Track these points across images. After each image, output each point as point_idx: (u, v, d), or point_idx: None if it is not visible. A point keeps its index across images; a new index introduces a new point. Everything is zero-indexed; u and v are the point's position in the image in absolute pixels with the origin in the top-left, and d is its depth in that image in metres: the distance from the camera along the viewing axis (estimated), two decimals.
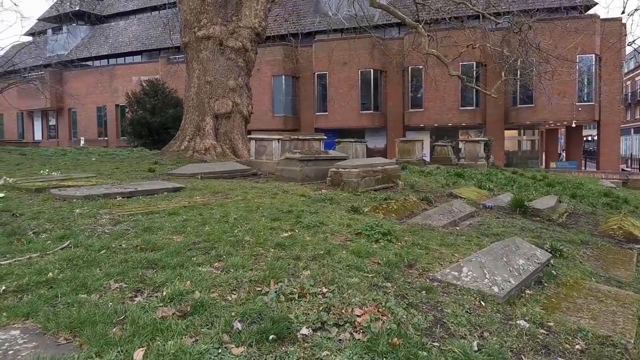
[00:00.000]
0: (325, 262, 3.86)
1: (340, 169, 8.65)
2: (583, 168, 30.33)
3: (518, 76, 23.85)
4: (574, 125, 27.39)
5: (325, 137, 12.10)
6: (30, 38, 48.56)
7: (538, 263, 4.64)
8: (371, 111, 30.40)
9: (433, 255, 4.48)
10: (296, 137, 11.06)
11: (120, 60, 41.70)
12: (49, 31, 45.15)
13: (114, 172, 9.31)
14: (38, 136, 44.28)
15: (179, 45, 38.27)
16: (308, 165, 9.14)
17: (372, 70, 29.84)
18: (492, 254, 4.25)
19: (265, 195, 6.98)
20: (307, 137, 11.47)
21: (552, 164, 27.26)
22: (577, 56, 24.67)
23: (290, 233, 4.65)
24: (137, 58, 40.79)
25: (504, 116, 28.80)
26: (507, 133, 31.05)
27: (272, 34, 31.58)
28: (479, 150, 18.41)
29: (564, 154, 34.67)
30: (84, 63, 43.48)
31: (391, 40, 30.00)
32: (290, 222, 5.15)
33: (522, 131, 32.23)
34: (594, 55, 25.76)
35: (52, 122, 43.84)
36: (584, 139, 38.11)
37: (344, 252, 4.20)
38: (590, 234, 7.29)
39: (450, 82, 26.72)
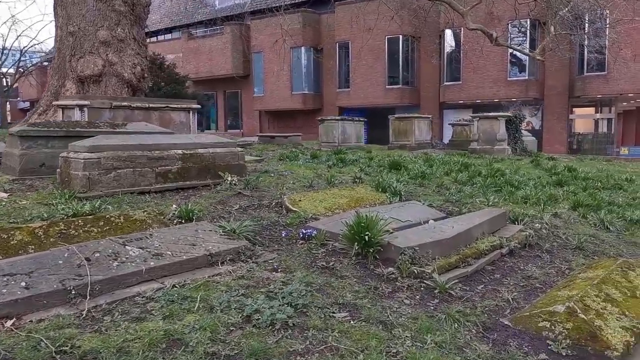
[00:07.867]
0: None
1: (70, 155, 4.76)
2: None
3: (585, 31, 17.88)
4: None
5: (199, 106, 8.16)
6: None
7: None
8: (400, 86, 25.29)
9: None
10: (127, 104, 7.23)
11: (153, 39, 39.91)
12: None
13: None
14: None
15: (203, 19, 35.51)
16: (47, 147, 5.33)
17: (400, 36, 24.68)
18: None
19: None
20: (155, 106, 7.60)
21: (624, 150, 20.72)
22: None
23: None
24: (169, 36, 38.77)
25: (568, 88, 22.49)
26: (579, 111, 24.52)
27: (295, 1, 27.63)
28: (498, 131, 13.23)
29: None
30: None
31: None
32: None
33: (599, 108, 25.36)
34: None
35: None
36: None
37: None
38: (491, 325, 2.81)
39: (494, 47, 21.07)
